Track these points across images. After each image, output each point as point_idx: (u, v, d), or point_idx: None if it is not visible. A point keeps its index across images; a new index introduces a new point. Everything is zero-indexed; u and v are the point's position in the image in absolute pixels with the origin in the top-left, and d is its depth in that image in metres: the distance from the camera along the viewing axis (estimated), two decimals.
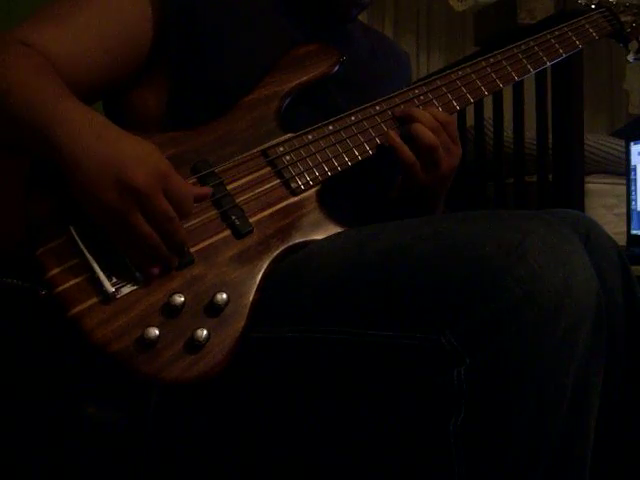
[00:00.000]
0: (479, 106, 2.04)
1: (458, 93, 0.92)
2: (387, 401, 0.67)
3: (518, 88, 1.87)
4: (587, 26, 1.06)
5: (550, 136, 1.79)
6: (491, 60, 0.96)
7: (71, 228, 0.68)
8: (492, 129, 2.03)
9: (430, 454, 0.62)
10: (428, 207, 0.93)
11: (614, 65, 3.99)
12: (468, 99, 0.93)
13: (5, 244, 0.73)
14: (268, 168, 0.80)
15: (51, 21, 0.80)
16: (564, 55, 1.02)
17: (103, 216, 0.67)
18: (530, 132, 1.92)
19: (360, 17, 1.05)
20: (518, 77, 0.97)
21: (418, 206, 0.92)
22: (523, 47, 0.99)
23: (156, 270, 0.69)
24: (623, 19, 1.11)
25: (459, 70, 0.94)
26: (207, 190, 0.74)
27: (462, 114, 2.12)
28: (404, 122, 0.87)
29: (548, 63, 1.00)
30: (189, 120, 0.80)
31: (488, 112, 2.03)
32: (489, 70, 0.95)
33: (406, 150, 0.85)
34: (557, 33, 1.02)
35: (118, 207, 0.66)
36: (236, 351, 0.69)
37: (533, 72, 0.99)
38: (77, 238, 0.68)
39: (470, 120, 2.11)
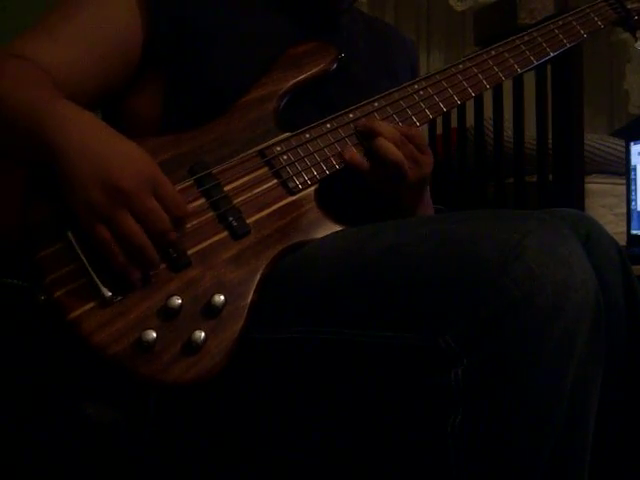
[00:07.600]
0: (479, 106, 2.04)
1: (459, 87, 0.91)
2: (384, 401, 0.67)
3: (518, 88, 1.87)
4: (592, 15, 1.03)
5: (550, 136, 1.78)
6: (492, 52, 0.94)
7: (69, 233, 0.69)
8: (492, 129, 2.03)
9: (427, 455, 0.62)
10: (402, 213, 0.90)
11: (614, 65, 3.98)
12: (469, 93, 0.91)
13: (5, 245, 0.73)
14: (265, 168, 0.80)
15: (43, 33, 0.81)
16: (568, 45, 0.99)
17: (89, 215, 0.67)
18: (530, 132, 1.92)
19: None
20: (520, 69, 0.95)
21: (392, 212, 0.89)
22: (526, 38, 0.96)
23: (139, 278, 0.68)
24: (630, 6, 1.07)
25: (460, 64, 0.92)
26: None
27: (462, 114, 2.12)
28: (367, 137, 0.83)
29: (552, 54, 0.97)
30: (185, 123, 0.80)
31: (488, 112, 2.03)
32: (491, 63, 0.93)
33: (366, 167, 0.83)
34: (561, 23, 1.00)
35: (103, 207, 0.66)
36: (234, 352, 0.69)
37: (536, 63, 0.96)
38: (75, 243, 0.68)
39: (470, 120, 2.11)
